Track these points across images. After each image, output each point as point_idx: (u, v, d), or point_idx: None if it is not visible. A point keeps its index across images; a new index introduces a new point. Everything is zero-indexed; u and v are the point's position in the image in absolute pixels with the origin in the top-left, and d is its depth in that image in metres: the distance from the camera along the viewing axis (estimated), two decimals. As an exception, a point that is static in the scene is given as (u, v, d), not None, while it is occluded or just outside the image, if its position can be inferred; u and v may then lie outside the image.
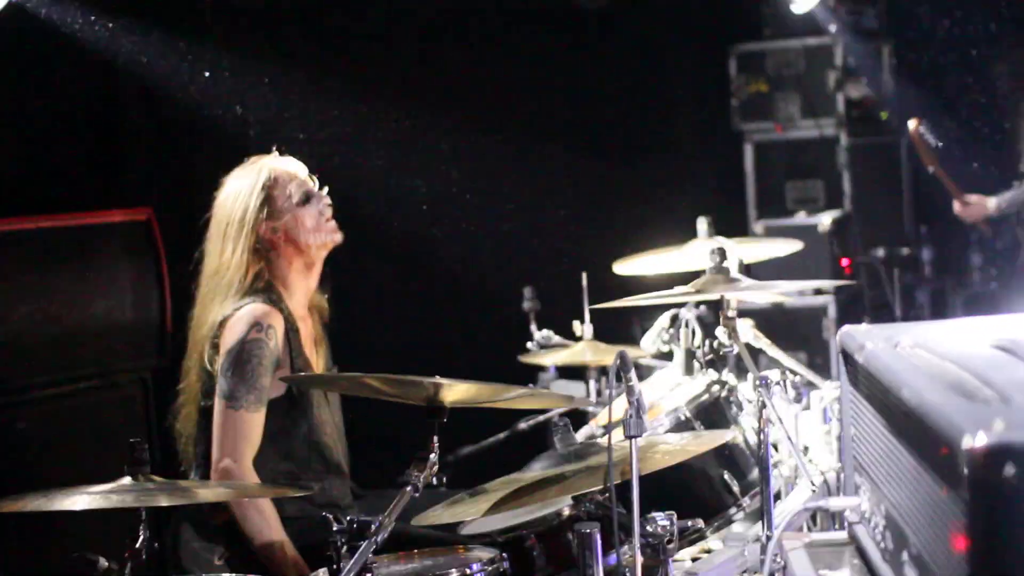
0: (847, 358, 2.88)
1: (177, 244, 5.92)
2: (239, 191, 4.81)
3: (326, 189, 4.92)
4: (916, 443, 2.24)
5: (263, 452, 4.60)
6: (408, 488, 3.61)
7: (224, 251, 4.77)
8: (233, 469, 4.48)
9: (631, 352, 5.61)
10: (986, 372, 2.21)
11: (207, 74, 6.55)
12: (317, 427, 4.74)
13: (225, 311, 4.65)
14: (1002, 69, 8.17)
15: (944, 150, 8.15)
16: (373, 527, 3.48)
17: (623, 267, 5.83)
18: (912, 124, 7.95)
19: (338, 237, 4.90)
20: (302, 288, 4.86)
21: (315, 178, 4.93)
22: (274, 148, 4.97)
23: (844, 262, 8.93)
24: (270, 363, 4.58)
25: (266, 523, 4.50)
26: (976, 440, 1.88)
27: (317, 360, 4.89)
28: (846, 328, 2.88)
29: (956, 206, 8.09)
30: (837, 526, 4.21)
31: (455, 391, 3.68)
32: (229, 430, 4.52)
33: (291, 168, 4.89)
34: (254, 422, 4.54)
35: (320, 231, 4.84)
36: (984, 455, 1.88)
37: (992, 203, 7.91)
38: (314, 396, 4.73)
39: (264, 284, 4.73)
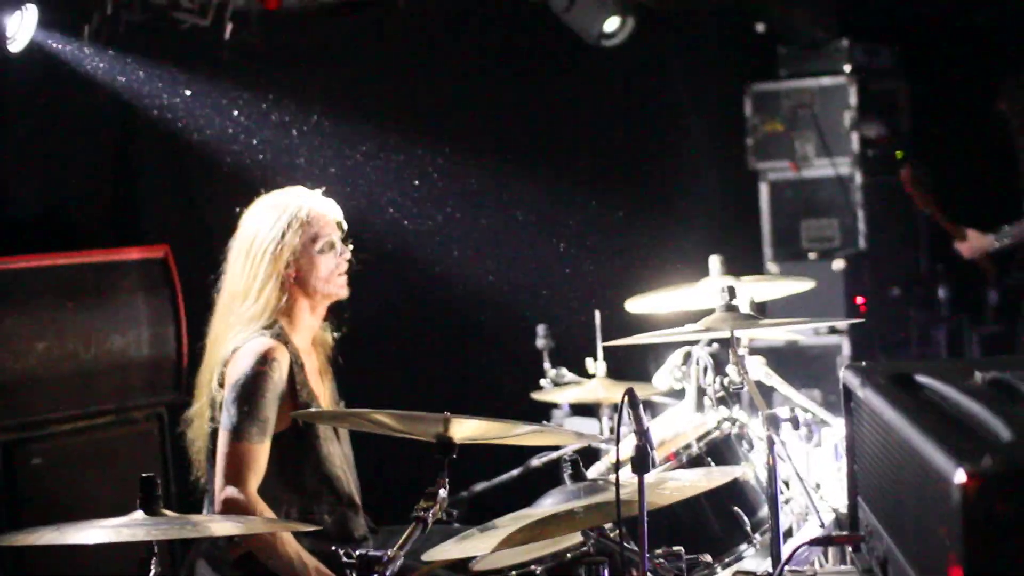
0: (849, 395, 2.90)
1: (193, 281, 5.96)
2: (275, 219, 4.85)
3: (351, 246, 4.96)
4: (913, 478, 2.26)
5: (274, 487, 4.63)
6: (417, 523, 3.63)
7: (248, 275, 4.82)
8: (239, 499, 4.50)
9: (644, 389, 5.67)
10: (982, 409, 2.23)
11: (223, 112, 6.60)
12: (326, 459, 4.77)
13: (236, 343, 4.71)
14: (1004, 108, 8.18)
15: (957, 187, 8.16)
16: (383, 561, 3.49)
17: (636, 304, 5.85)
18: (904, 171, 7.92)
19: (344, 293, 4.95)
20: (307, 324, 4.92)
21: (345, 227, 4.98)
22: (320, 190, 4.99)
23: (859, 300, 8.93)
24: (274, 396, 4.63)
25: (279, 542, 4.53)
26: (967, 475, 1.90)
27: (323, 391, 4.93)
28: (848, 365, 2.90)
29: (956, 243, 8.11)
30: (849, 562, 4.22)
31: (464, 427, 3.71)
32: (233, 461, 4.56)
33: (329, 213, 4.93)
34: (258, 453, 4.58)
35: (330, 282, 4.89)
36: (976, 489, 1.90)
37: (990, 238, 7.91)
38: (320, 429, 4.77)
39: (272, 320, 4.78)
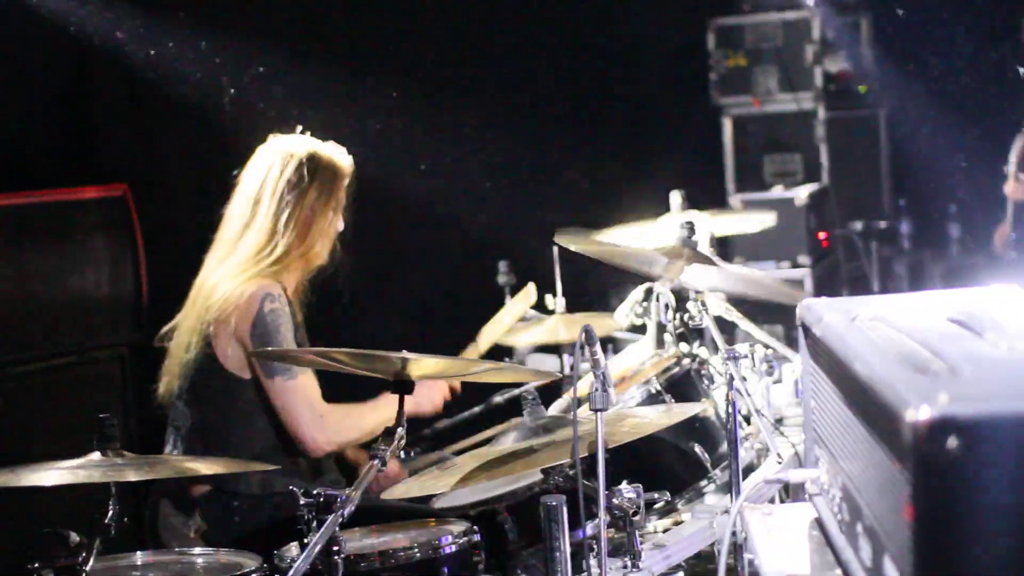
0: (806, 331, 2.89)
1: (152, 220, 5.92)
2: (299, 164, 4.75)
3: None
4: (868, 416, 2.26)
5: (251, 430, 4.63)
6: (375, 461, 3.61)
7: (259, 213, 4.73)
8: (325, 424, 4.60)
9: (605, 325, 5.66)
10: (938, 345, 2.22)
11: (182, 48, 6.53)
12: None
13: (231, 286, 4.63)
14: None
15: (920, 122, 8.13)
16: (339, 500, 3.47)
17: (598, 240, 5.83)
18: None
19: (324, 262, 4.89)
20: (296, 274, 4.83)
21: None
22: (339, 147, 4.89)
23: (821, 235, 8.95)
24: (291, 327, 4.65)
25: (356, 425, 4.67)
26: (920, 413, 1.89)
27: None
28: (805, 301, 2.88)
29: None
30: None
31: (422, 366, 3.70)
32: (298, 398, 4.59)
33: (348, 175, 4.87)
34: (311, 379, 4.62)
35: (325, 249, 4.82)
36: (928, 428, 1.89)
37: None
38: None
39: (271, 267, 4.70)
